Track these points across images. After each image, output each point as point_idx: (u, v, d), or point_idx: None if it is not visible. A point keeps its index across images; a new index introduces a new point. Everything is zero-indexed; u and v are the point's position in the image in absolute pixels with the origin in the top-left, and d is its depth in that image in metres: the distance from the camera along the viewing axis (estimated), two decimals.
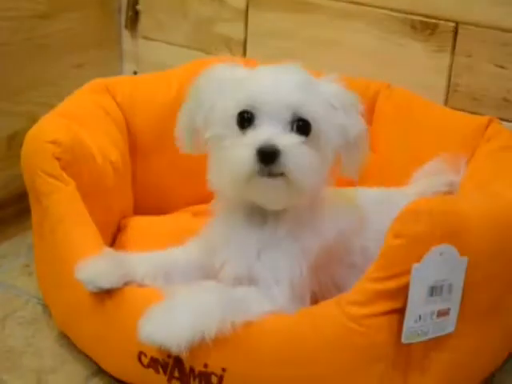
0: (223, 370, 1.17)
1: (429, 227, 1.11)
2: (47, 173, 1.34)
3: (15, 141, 1.73)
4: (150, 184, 1.68)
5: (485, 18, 1.64)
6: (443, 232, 1.12)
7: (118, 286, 1.23)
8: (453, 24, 1.68)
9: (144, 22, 2.08)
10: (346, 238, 1.32)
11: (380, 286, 1.13)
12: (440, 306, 1.15)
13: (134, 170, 1.65)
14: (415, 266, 1.10)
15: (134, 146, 1.65)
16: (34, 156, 1.36)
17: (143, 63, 2.10)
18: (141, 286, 1.25)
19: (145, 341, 1.13)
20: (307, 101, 1.20)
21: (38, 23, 1.81)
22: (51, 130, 1.39)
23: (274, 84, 1.21)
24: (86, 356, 1.33)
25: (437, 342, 1.17)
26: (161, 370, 1.20)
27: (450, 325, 1.17)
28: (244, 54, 1.94)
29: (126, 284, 1.24)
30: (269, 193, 1.19)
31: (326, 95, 1.24)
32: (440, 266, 1.12)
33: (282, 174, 1.16)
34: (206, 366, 1.17)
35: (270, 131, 1.17)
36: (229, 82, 1.24)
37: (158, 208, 1.69)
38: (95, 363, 1.32)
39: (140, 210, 1.66)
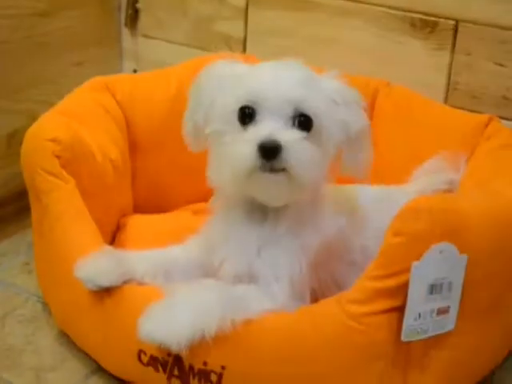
0: (223, 367, 1.17)
1: (429, 225, 1.11)
2: (47, 171, 1.34)
3: (15, 139, 1.73)
4: (149, 182, 1.68)
5: (484, 15, 1.64)
6: (443, 230, 1.12)
7: (118, 284, 1.23)
8: (452, 22, 1.68)
9: (144, 20, 2.08)
10: (345, 236, 1.32)
11: (380, 284, 1.13)
12: (440, 304, 1.15)
13: (133, 168, 1.65)
14: (415, 264, 1.10)
15: (134, 144, 1.65)
16: (34, 154, 1.37)
17: (143, 61, 2.10)
18: (140, 284, 1.25)
19: (144, 339, 1.13)
20: (309, 96, 1.20)
21: (37, 21, 1.81)
22: (51, 128, 1.39)
23: (276, 79, 1.21)
24: (86, 354, 1.33)
25: (436, 340, 1.17)
26: (160, 369, 1.20)
27: (449, 323, 1.17)
28: (244, 52, 1.94)
29: (126, 282, 1.24)
30: (270, 188, 1.19)
31: (327, 91, 1.23)
32: (440, 264, 1.12)
33: (283, 170, 1.16)
34: (205, 363, 1.17)
35: (272, 126, 1.17)
36: (229, 77, 1.24)
37: (158, 206, 1.69)
38: (95, 361, 1.32)
39: (140, 208, 1.66)
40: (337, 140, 1.23)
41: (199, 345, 1.14)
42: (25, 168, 1.39)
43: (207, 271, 1.29)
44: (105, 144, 1.51)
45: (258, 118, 1.19)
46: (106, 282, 1.22)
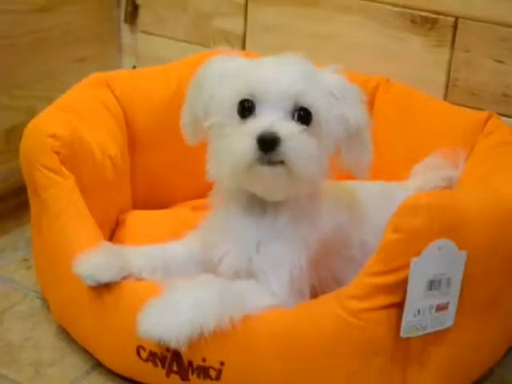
0: (222, 363, 1.17)
1: (427, 222, 1.11)
2: (46, 167, 1.34)
3: (14, 134, 1.72)
4: (148, 178, 1.68)
5: (484, 12, 1.64)
6: (442, 226, 1.12)
7: (117, 280, 1.23)
8: (452, 19, 1.68)
9: (143, 16, 2.07)
10: (343, 232, 1.32)
11: (379, 281, 1.13)
12: (439, 300, 1.15)
13: (132, 165, 1.64)
14: (414, 260, 1.10)
15: (133, 141, 1.64)
16: (33, 150, 1.36)
17: (142, 57, 2.10)
18: (139, 279, 1.25)
19: (143, 335, 1.13)
20: (308, 90, 1.20)
21: (37, 17, 1.80)
22: (50, 123, 1.38)
23: (276, 73, 1.21)
24: (85, 350, 1.33)
25: (435, 337, 1.17)
26: (159, 364, 1.20)
27: (448, 319, 1.17)
28: (243, 48, 1.93)
29: (125, 278, 1.24)
30: (268, 181, 1.18)
31: (328, 85, 1.23)
32: (439, 260, 1.12)
33: (281, 162, 1.16)
34: (204, 359, 1.17)
35: (271, 120, 1.17)
36: (229, 71, 1.24)
37: (157, 202, 1.69)
38: (94, 357, 1.32)
39: (139, 204, 1.66)
40: (336, 135, 1.23)
41: (198, 341, 1.14)
42: (24, 164, 1.39)
43: (206, 267, 1.29)
44: (104, 140, 1.51)
45: (257, 111, 1.19)
46: (104, 277, 1.22)
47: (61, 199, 1.34)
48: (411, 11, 1.72)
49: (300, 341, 1.16)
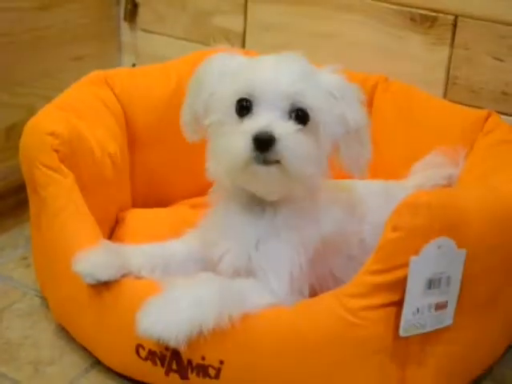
0: (221, 362, 1.17)
1: (427, 220, 1.11)
2: (45, 165, 1.34)
3: (13, 132, 1.72)
4: (148, 176, 1.68)
5: (483, 10, 1.63)
6: (441, 225, 1.12)
7: (116, 278, 1.23)
8: (452, 17, 1.67)
9: (143, 14, 2.07)
10: (343, 230, 1.32)
11: (378, 279, 1.13)
12: (438, 298, 1.15)
13: (132, 163, 1.64)
14: (413, 258, 1.10)
15: (133, 139, 1.64)
16: (33, 148, 1.36)
17: (142, 55, 2.10)
18: (138, 278, 1.25)
19: (142, 334, 1.13)
20: (306, 90, 1.20)
21: (37, 14, 1.80)
22: (50, 121, 1.38)
23: (274, 72, 1.21)
24: (84, 348, 1.33)
25: (435, 335, 1.17)
26: (158, 363, 1.20)
27: (447, 318, 1.17)
28: (243, 46, 1.93)
29: (124, 276, 1.24)
30: (263, 180, 1.18)
31: (326, 85, 1.23)
32: (438, 258, 1.12)
33: (277, 162, 1.16)
34: (203, 358, 1.17)
35: (267, 119, 1.17)
36: (229, 69, 1.24)
37: (156, 200, 1.69)
38: (93, 355, 1.32)
39: (138, 202, 1.66)
40: (334, 134, 1.23)
41: (197, 339, 1.14)
42: (23, 162, 1.39)
43: (206, 265, 1.29)
44: (103, 138, 1.50)
45: (254, 110, 1.19)
46: (104, 276, 1.22)
47: (60, 197, 1.34)
48: (411, 9, 1.72)
49: (299, 339, 1.16)
